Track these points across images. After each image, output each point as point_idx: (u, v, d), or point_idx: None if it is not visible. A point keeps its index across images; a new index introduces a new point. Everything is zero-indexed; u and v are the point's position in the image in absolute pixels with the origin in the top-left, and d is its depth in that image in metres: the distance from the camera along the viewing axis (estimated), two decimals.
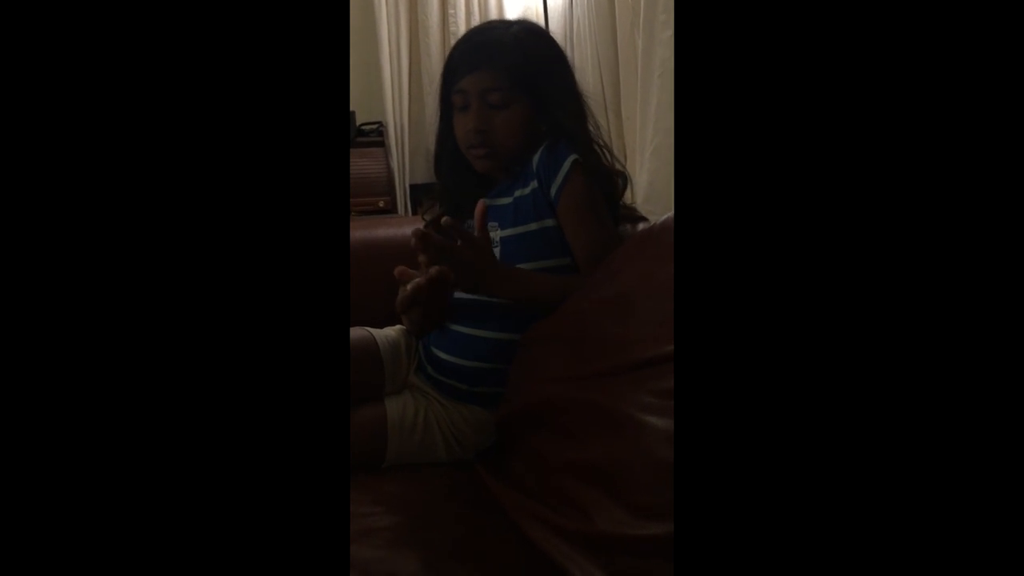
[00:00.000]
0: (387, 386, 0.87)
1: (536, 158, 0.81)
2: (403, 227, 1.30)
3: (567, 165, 0.79)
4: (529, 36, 0.84)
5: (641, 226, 0.88)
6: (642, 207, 0.90)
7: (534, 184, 0.82)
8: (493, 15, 2.34)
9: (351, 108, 2.37)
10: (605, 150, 0.86)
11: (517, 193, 0.84)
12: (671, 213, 0.72)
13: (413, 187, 2.48)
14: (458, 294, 0.87)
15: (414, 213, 2.46)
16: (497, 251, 0.83)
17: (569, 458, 0.63)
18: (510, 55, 0.81)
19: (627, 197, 0.91)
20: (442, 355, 0.85)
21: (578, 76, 0.89)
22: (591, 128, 0.85)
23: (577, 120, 0.83)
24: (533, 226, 0.82)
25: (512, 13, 2.34)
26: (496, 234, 0.84)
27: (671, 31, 1.39)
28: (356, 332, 0.90)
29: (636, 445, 0.56)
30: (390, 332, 0.93)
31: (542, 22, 2.11)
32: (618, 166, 0.86)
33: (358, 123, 2.40)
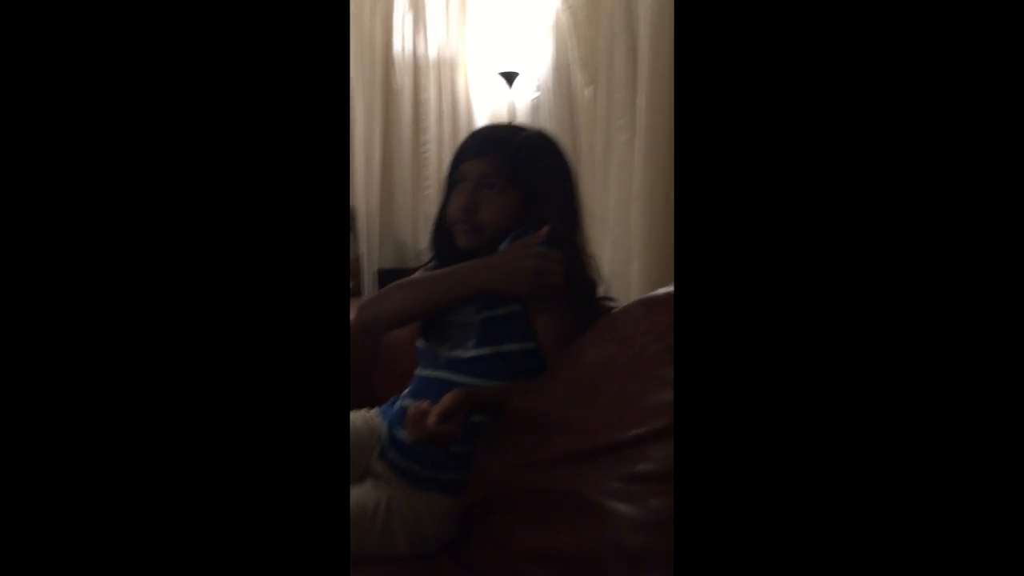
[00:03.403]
0: (350, 472, 0.85)
1: (504, 245, 0.85)
2: None
3: None
4: (536, 142, 0.90)
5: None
6: (602, 294, 0.93)
7: None
8: (462, 117, 2.50)
9: None
10: (588, 260, 0.89)
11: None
12: (631, 302, 0.76)
13: (381, 272, 2.51)
14: (423, 372, 0.88)
15: None
16: (477, 333, 0.84)
17: (532, 545, 0.62)
18: (512, 152, 0.87)
19: None
20: (405, 437, 0.84)
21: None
22: (580, 238, 0.89)
23: (567, 224, 0.87)
24: (501, 311, 0.84)
25: (480, 115, 2.50)
26: (476, 317, 0.86)
27: (626, 135, 1.51)
28: None
29: (603, 532, 0.55)
30: (355, 417, 0.92)
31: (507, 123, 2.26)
32: (594, 274, 0.89)
33: None
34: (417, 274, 0.93)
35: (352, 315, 1.30)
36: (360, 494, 0.82)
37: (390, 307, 0.87)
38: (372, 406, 0.98)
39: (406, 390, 0.92)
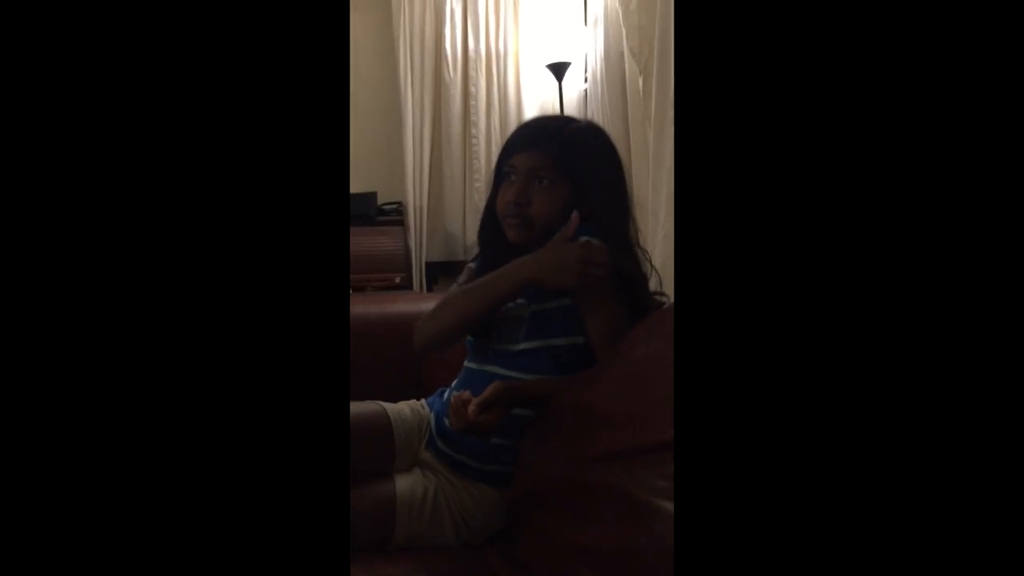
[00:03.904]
0: (398, 462, 0.87)
1: (556, 237, 0.84)
2: (418, 303, 1.33)
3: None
4: (586, 134, 0.89)
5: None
6: (653, 289, 0.92)
7: None
8: (512, 109, 2.50)
9: (374, 189, 2.49)
10: (641, 252, 0.88)
11: None
12: None
13: (429, 264, 2.55)
14: (473, 365, 0.89)
15: (429, 290, 2.51)
16: (526, 327, 0.84)
17: (580, 542, 0.62)
18: (562, 144, 0.86)
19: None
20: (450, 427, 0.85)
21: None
22: (630, 230, 0.88)
23: (617, 218, 0.86)
24: (551, 304, 0.84)
25: (530, 107, 2.49)
26: (526, 311, 0.86)
27: None
28: (369, 407, 0.91)
29: (649, 530, 0.54)
30: (403, 407, 0.93)
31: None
32: (645, 268, 0.88)
33: (379, 203, 2.51)
34: (457, 284, 0.94)
35: (398, 308, 1.32)
36: (409, 483, 0.83)
37: (445, 323, 0.87)
38: (421, 397, 0.99)
39: (454, 381, 0.93)
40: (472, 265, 0.96)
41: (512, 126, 2.37)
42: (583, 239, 0.79)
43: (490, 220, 0.93)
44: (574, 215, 0.80)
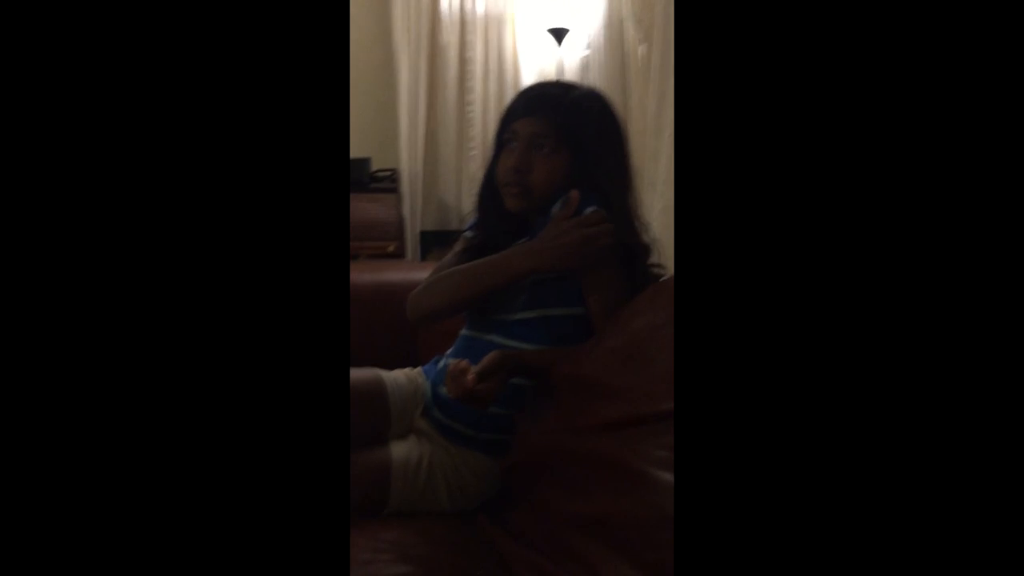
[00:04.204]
0: (393, 429, 0.87)
1: (556, 206, 0.83)
2: (412, 272, 1.32)
3: (585, 214, 0.80)
4: (588, 101, 0.87)
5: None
6: (652, 261, 0.91)
7: None
8: (509, 75, 2.44)
9: (367, 155, 2.44)
10: (639, 222, 0.87)
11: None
12: None
13: (423, 233, 2.53)
14: (470, 333, 0.88)
15: (423, 259, 2.50)
16: (525, 296, 0.84)
17: (575, 511, 0.62)
18: (564, 111, 0.84)
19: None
20: (446, 394, 0.85)
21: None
22: (631, 201, 0.87)
23: (618, 188, 0.85)
24: (551, 274, 0.83)
25: (528, 74, 2.44)
26: (526, 280, 0.84)
27: None
28: (365, 373, 0.91)
29: (645, 500, 0.55)
30: (399, 375, 0.93)
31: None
32: (646, 238, 0.87)
33: (372, 169, 2.47)
34: (453, 254, 0.92)
35: (393, 277, 1.31)
36: (404, 449, 0.84)
37: (440, 298, 0.86)
38: (417, 365, 0.99)
39: (450, 349, 0.93)
40: (468, 234, 0.94)
41: (509, 93, 2.33)
42: (589, 210, 0.78)
43: (489, 187, 0.91)
44: (573, 193, 0.79)
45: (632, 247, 0.83)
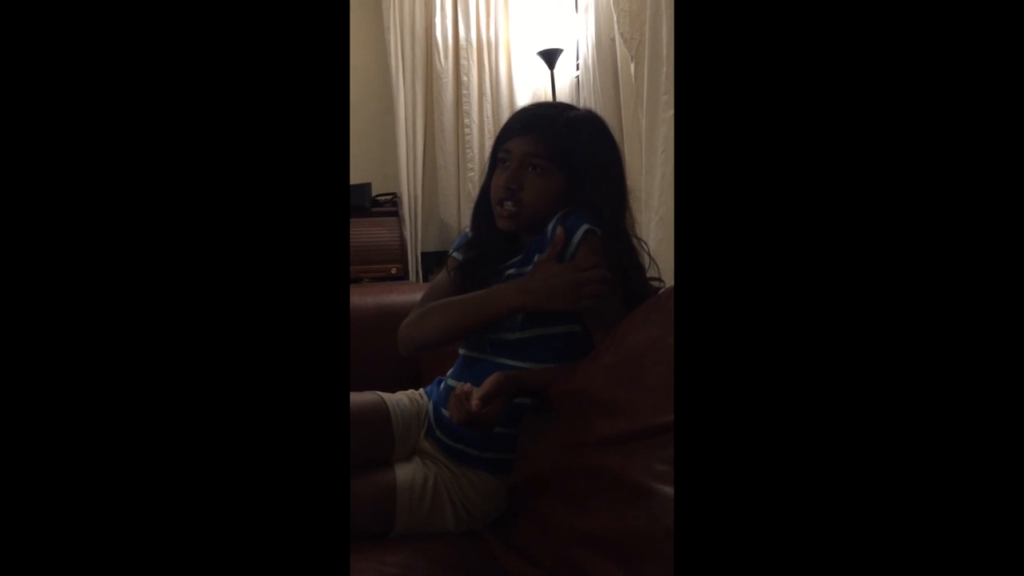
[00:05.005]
0: (397, 451, 0.87)
1: (551, 226, 0.84)
2: (415, 293, 1.33)
3: (579, 234, 0.82)
4: (583, 122, 0.88)
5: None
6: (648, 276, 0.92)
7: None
8: (504, 98, 2.48)
9: (368, 180, 2.48)
10: (638, 242, 0.88)
11: (536, 259, 0.87)
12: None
13: (425, 255, 2.55)
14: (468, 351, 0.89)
15: (425, 280, 2.51)
16: (523, 315, 0.85)
17: (579, 526, 0.63)
18: (558, 131, 0.85)
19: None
20: (449, 416, 0.85)
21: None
22: (626, 220, 0.88)
23: (613, 208, 0.86)
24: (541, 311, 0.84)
25: (522, 95, 2.48)
26: None
27: (672, 111, 1.47)
28: (367, 397, 0.91)
29: (647, 514, 0.55)
30: (401, 397, 0.94)
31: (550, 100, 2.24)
32: (642, 258, 0.88)
33: (373, 194, 2.50)
34: (445, 271, 0.92)
35: (395, 299, 1.32)
36: (408, 472, 0.84)
37: (430, 331, 0.87)
38: (419, 386, 1.00)
39: (451, 370, 0.94)
40: (456, 255, 0.95)
41: (505, 115, 2.36)
42: (583, 228, 0.79)
43: (484, 206, 0.92)
44: (559, 232, 0.79)
45: (628, 268, 0.84)
